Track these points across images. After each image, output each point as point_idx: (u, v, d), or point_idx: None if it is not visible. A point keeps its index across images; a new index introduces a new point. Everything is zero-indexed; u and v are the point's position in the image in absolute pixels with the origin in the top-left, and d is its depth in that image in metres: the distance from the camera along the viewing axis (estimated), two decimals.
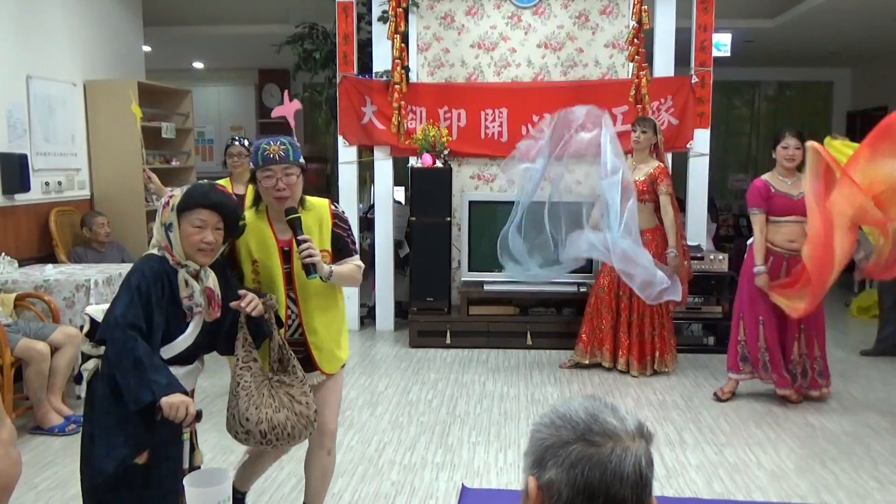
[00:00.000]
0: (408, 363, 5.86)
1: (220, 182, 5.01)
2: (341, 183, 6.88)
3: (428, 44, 6.73)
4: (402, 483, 3.72)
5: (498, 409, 4.77)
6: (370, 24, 6.77)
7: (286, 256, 2.77)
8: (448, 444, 4.22)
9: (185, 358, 2.54)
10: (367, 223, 7.42)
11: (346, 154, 6.81)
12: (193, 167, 7.49)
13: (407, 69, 6.53)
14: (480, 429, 4.44)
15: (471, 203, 6.35)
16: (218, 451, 4.12)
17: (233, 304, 2.53)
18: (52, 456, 3.99)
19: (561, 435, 1.13)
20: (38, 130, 5.74)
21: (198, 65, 11.24)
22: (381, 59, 6.63)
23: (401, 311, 6.97)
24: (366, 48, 6.89)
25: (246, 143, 5.04)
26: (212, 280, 2.51)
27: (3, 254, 5.07)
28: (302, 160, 2.73)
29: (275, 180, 2.66)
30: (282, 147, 2.68)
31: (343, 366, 2.98)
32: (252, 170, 2.73)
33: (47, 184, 5.84)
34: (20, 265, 5.19)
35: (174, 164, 7.22)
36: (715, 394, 4.98)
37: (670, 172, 5.62)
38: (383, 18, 6.52)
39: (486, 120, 6.63)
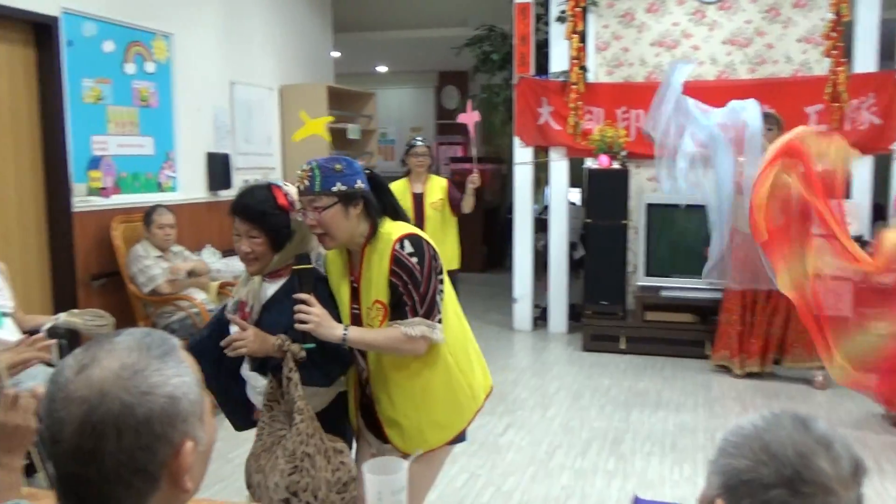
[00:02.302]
0: (580, 367, 5.79)
1: (398, 182, 5.20)
2: (516, 184, 6.91)
3: (607, 43, 6.61)
4: (573, 488, 3.69)
5: (674, 420, 4.61)
6: (548, 24, 6.76)
7: (355, 294, 2.23)
8: (620, 452, 4.13)
9: (256, 366, 2.29)
10: (541, 224, 7.41)
11: (522, 155, 6.83)
12: (375, 167, 7.79)
13: (584, 69, 6.46)
14: (655, 439, 4.31)
15: (649, 206, 6.18)
16: None
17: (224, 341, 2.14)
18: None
19: (762, 473, 0.99)
20: (239, 132, 6.21)
21: (381, 68, 11.70)
22: (559, 59, 6.60)
23: (574, 314, 6.90)
24: (543, 49, 6.88)
25: (427, 142, 5.22)
26: (245, 291, 2.32)
27: (208, 245, 5.53)
28: (340, 187, 2.10)
29: (303, 216, 2.16)
30: (307, 174, 2.12)
31: (434, 451, 2.27)
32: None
33: (246, 181, 6.29)
34: (222, 256, 5.64)
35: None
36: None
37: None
38: (561, 18, 6.48)
39: None
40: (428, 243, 2.17)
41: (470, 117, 5.34)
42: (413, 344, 2.11)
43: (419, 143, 5.23)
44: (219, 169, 5.81)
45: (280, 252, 2.23)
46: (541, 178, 7.93)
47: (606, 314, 6.20)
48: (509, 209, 7.35)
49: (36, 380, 3.24)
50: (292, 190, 2.22)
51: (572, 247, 6.99)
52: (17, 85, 4.40)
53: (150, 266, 4.59)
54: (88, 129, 4.71)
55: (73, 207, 4.58)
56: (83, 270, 4.67)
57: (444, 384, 2.22)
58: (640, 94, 6.44)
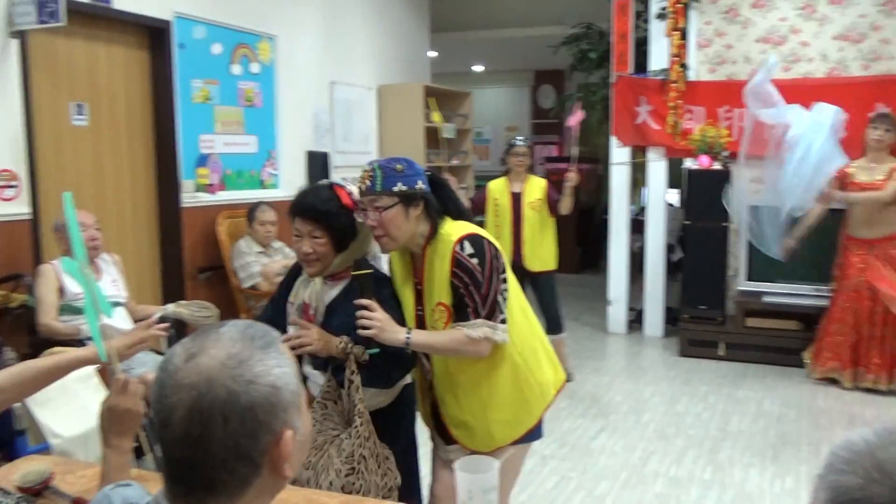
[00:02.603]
0: (676, 372, 5.65)
1: (497, 181, 5.21)
2: (613, 184, 6.80)
3: (709, 40, 6.42)
4: (667, 497, 3.60)
5: (775, 431, 4.44)
6: (647, 21, 6.62)
7: (419, 296, 2.23)
8: (718, 461, 4.00)
9: (319, 365, 2.30)
10: (637, 226, 7.27)
11: (619, 155, 6.72)
12: (471, 166, 7.84)
13: (685, 67, 6.30)
14: (755, 450, 4.16)
15: (751, 208, 5.96)
16: None
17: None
18: None
19: (874, 492, 0.93)
20: (338, 131, 6.35)
21: (477, 68, 11.73)
22: (658, 57, 6.45)
23: (671, 318, 6.74)
24: (642, 46, 6.75)
25: (528, 142, 5.25)
26: (309, 293, 2.28)
27: None
28: (401, 187, 2.08)
29: (363, 216, 2.14)
30: (369, 174, 2.10)
31: (504, 448, 2.24)
32: None
33: (345, 179, 6.42)
34: None
35: (454, 162, 7.60)
36: None
37: None
38: (662, 15, 6.34)
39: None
40: (489, 243, 2.13)
41: (576, 118, 5.34)
42: (476, 346, 2.09)
43: (520, 142, 5.22)
44: (318, 167, 5.96)
45: (342, 253, 2.21)
46: (638, 178, 7.78)
47: (705, 319, 6.03)
48: (605, 210, 7.25)
49: (146, 366, 3.41)
50: (355, 190, 2.22)
51: (669, 249, 6.83)
52: (133, 86, 4.64)
53: (251, 263, 4.75)
54: (197, 128, 4.91)
55: (181, 203, 4.79)
56: (190, 263, 4.88)
57: (511, 383, 2.20)
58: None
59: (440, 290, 2.12)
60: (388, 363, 2.15)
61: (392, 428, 2.27)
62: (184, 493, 0.97)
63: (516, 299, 2.25)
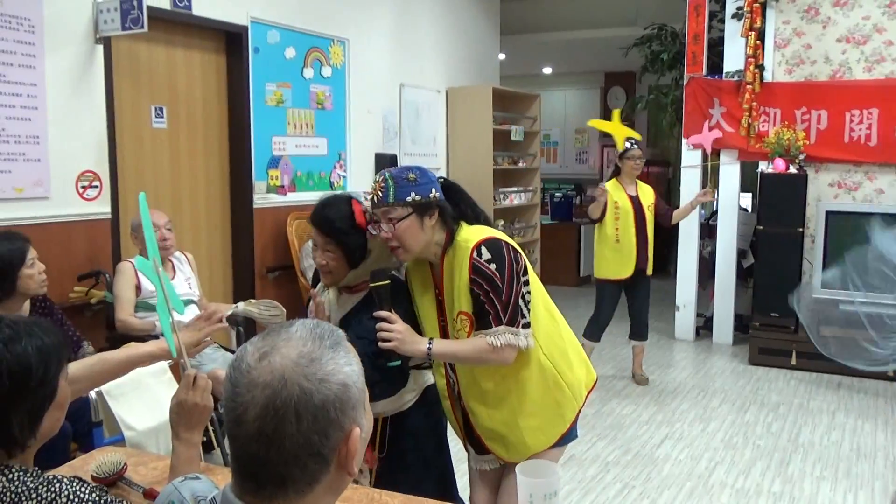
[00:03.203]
0: (745, 381, 5.52)
1: (610, 182, 5.17)
2: (683, 188, 6.68)
3: (787, 40, 6.25)
4: None
5: (850, 444, 4.29)
6: (722, 21, 6.49)
7: (441, 307, 2.18)
8: (788, 474, 3.90)
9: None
10: (708, 230, 7.12)
11: (690, 158, 6.59)
12: (538, 168, 7.81)
13: (761, 68, 6.14)
14: (827, 462, 4.04)
15: (828, 213, 5.77)
16: None
17: None
18: None
19: None
20: (406, 133, 6.41)
21: (546, 70, 11.66)
22: (733, 58, 6.31)
23: (741, 325, 6.58)
24: (716, 47, 6.61)
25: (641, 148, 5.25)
26: (327, 303, 2.27)
27: None
28: (414, 197, 2.03)
29: (377, 228, 2.10)
30: (381, 185, 2.07)
31: (540, 453, 2.16)
32: None
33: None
34: None
35: (521, 165, 7.59)
36: None
37: None
38: (738, 15, 6.19)
39: (851, 122, 5.98)
40: (507, 245, 2.06)
41: (707, 137, 5.29)
42: (499, 354, 2.02)
43: (635, 146, 5.18)
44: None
45: (354, 270, 2.19)
46: (709, 182, 7.62)
47: (777, 327, 5.86)
48: None
49: (215, 363, 3.52)
50: (369, 206, 2.17)
51: (741, 254, 6.67)
52: (210, 89, 4.78)
53: None
54: (270, 130, 5.04)
55: (253, 204, 4.91)
56: (260, 263, 5.00)
57: (540, 388, 2.14)
58: (823, 94, 6.04)
59: (461, 299, 2.06)
60: (391, 376, 2.14)
61: (422, 427, 2.29)
62: (254, 489, 0.99)
63: (541, 300, 2.18)
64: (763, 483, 3.78)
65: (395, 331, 2.02)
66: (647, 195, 5.19)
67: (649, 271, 5.24)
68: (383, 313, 2.04)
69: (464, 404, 2.23)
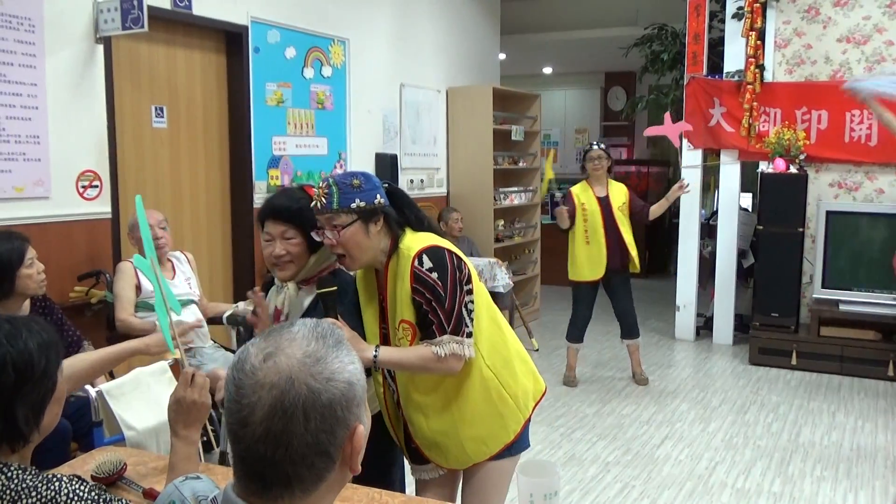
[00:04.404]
0: (746, 381, 5.51)
1: (578, 185, 5.19)
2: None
3: (787, 40, 6.25)
4: None
5: (850, 444, 4.29)
6: (723, 21, 6.49)
7: (384, 313, 2.13)
8: (788, 474, 3.90)
9: None
10: (708, 230, 7.12)
11: (691, 158, 6.59)
12: (538, 168, 7.80)
13: (762, 68, 6.14)
14: (827, 463, 4.04)
15: (829, 213, 5.78)
16: (546, 444, 4.26)
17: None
18: None
19: None
20: (406, 133, 6.41)
21: (547, 70, 11.67)
22: (734, 58, 6.31)
23: (741, 325, 6.58)
24: (717, 47, 6.61)
25: (604, 146, 5.22)
26: (281, 299, 2.23)
27: None
28: (359, 203, 1.98)
29: (320, 234, 2.04)
30: (324, 191, 2.00)
31: (484, 462, 2.14)
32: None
33: (412, 181, 6.49)
34: None
35: (521, 165, 7.58)
36: None
37: None
38: (738, 15, 6.19)
39: (851, 122, 5.98)
40: (450, 253, 2.02)
41: (670, 129, 5.23)
42: (444, 363, 1.98)
43: (594, 146, 5.20)
44: (386, 169, 6.03)
45: (315, 254, 2.17)
46: (710, 181, 7.62)
47: (777, 327, 5.86)
48: (675, 213, 7.12)
49: (216, 363, 3.52)
50: None
51: (741, 254, 6.67)
52: (210, 89, 4.78)
53: None
54: (270, 130, 5.03)
55: (254, 203, 4.92)
56: (261, 263, 4.99)
57: (482, 399, 2.09)
58: (823, 94, 6.04)
59: (403, 308, 2.01)
60: None
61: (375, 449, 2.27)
62: (259, 489, 0.99)
63: (486, 309, 2.13)
64: (763, 483, 3.78)
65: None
66: (619, 195, 5.15)
67: (634, 269, 5.23)
68: (329, 320, 2.02)
69: (402, 413, 2.18)
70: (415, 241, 2.03)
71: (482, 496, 2.16)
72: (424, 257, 1.98)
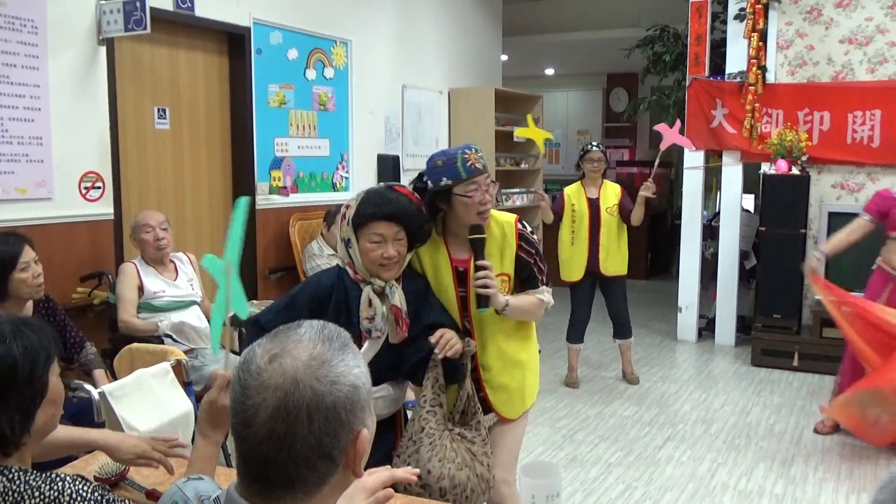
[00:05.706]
0: (748, 382, 5.51)
1: (572, 186, 5.21)
2: (685, 189, 6.68)
3: (789, 41, 6.25)
4: None
5: (852, 446, 4.29)
6: (725, 23, 6.49)
7: (461, 278, 2.37)
8: (790, 475, 3.89)
9: (409, 374, 2.38)
10: (710, 231, 7.12)
11: (693, 159, 6.59)
12: (541, 169, 7.80)
13: (764, 69, 6.14)
14: (830, 464, 4.03)
15: (831, 214, 5.77)
16: (548, 445, 4.26)
17: (432, 338, 2.21)
18: None
19: None
20: (408, 134, 6.42)
21: (549, 71, 11.67)
22: (736, 59, 6.31)
23: (743, 326, 6.58)
24: (719, 48, 6.61)
25: (602, 148, 5.23)
26: (398, 297, 2.24)
27: None
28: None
29: (481, 193, 2.26)
30: (480, 157, 2.30)
31: (526, 412, 2.53)
32: (448, 183, 2.26)
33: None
34: None
35: (523, 166, 7.58)
36: None
37: None
38: (740, 17, 6.19)
39: (854, 123, 5.98)
40: None
41: (674, 135, 5.18)
42: (542, 308, 2.41)
43: (594, 148, 5.20)
44: (388, 170, 6.03)
45: (410, 252, 2.30)
46: (712, 183, 7.62)
47: (779, 328, 5.86)
48: (677, 214, 7.12)
49: (218, 364, 3.52)
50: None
51: (743, 256, 6.67)
52: (212, 90, 4.79)
53: (322, 265, 4.83)
54: (272, 131, 5.04)
55: (256, 205, 4.92)
56: (263, 264, 5.00)
57: (534, 352, 2.52)
58: (825, 95, 6.05)
59: (503, 264, 2.35)
60: (455, 369, 2.29)
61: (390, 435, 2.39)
62: (262, 490, 0.99)
63: None
64: (765, 485, 3.78)
65: (492, 278, 2.26)
66: (610, 196, 5.15)
67: (623, 271, 5.23)
68: (485, 262, 2.27)
69: (477, 363, 2.40)
70: (500, 213, 2.42)
71: (517, 444, 2.53)
72: (524, 222, 2.41)
